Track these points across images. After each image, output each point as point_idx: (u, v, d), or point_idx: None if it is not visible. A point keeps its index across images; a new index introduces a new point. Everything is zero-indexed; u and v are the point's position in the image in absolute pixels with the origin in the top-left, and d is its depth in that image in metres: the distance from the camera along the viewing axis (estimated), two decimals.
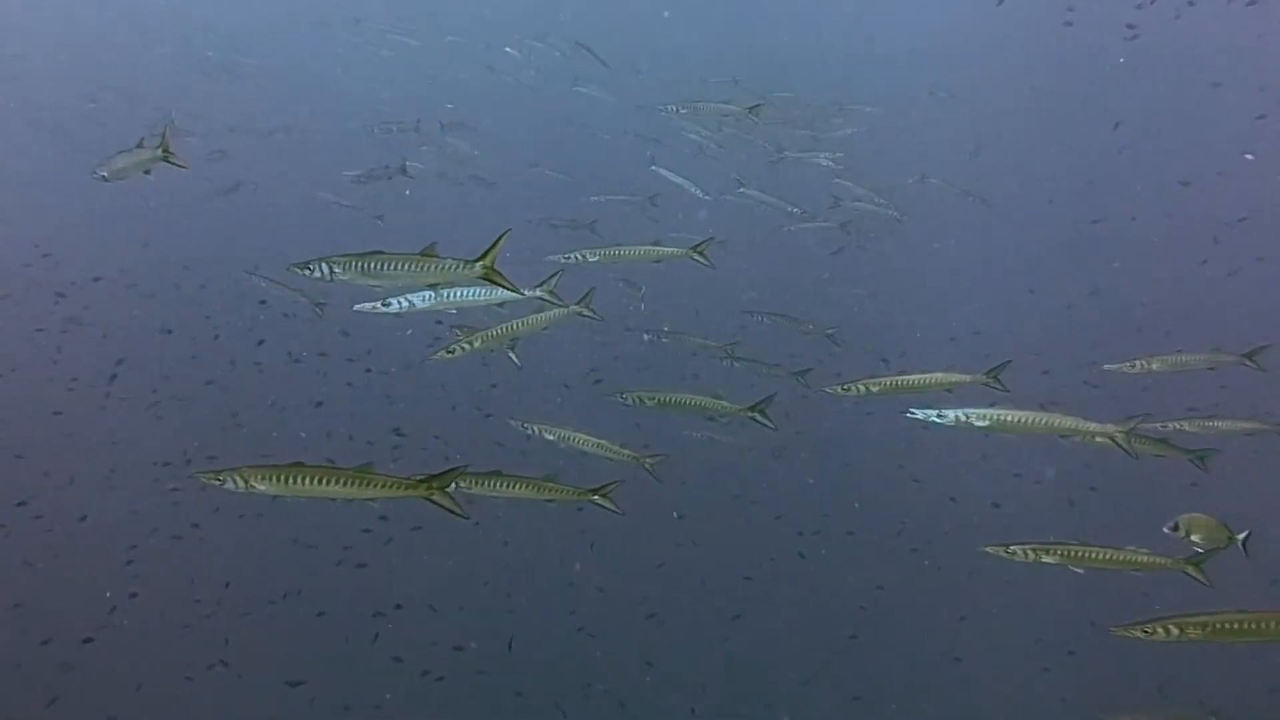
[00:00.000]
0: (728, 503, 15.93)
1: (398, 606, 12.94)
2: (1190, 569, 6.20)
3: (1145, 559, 6.17)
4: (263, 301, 13.81)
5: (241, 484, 5.42)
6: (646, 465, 8.17)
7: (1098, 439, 6.61)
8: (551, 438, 8.16)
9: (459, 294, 6.88)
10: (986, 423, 6.58)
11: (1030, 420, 6.65)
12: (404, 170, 15.35)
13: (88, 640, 11.49)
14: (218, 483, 5.45)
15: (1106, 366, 8.19)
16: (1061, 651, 13.68)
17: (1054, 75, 28.19)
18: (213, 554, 13.29)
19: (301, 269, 6.07)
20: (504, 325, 7.52)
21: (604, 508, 7.09)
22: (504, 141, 22.56)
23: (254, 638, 12.62)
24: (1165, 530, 6.38)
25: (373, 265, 6.02)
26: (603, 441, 8.18)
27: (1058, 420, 6.57)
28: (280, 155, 21.40)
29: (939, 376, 8.02)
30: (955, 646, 13.92)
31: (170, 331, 15.82)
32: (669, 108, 14.71)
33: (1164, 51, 23.50)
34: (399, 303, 6.92)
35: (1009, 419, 6.64)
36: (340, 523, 13.17)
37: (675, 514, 14.25)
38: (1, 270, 17.18)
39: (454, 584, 14.15)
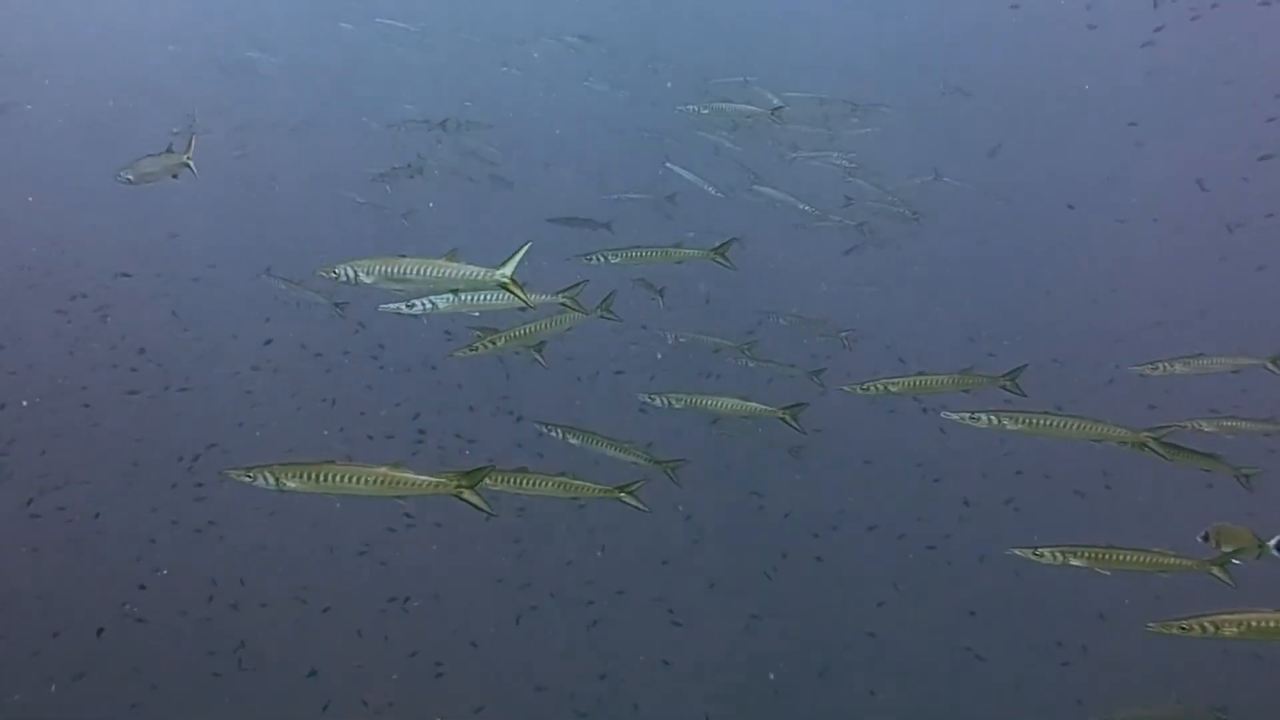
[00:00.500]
0: (745, 500, 15.98)
1: (406, 599, 13.06)
2: (1216, 570, 6.25)
3: (1172, 561, 6.23)
4: (296, 303, 13.89)
5: (273, 481, 5.45)
6: (669, 471, 8.24)
7: (1129, 445, 6.65)
8: (575, 441, 8.24)
9: (481, 297, 6.95)
10: (1019, 426, 6.62)
11: (1062, 424, 6.69)
12: (422, 170, 15.43)
13: (100, 631, 11.66)
14: (249, 480, 5.48)
15: (1129, 369, 8.18)
16: (1075, 646, 13.70)
17: (1071, 73, 28.08)
18: (231, 549, 13.42)
19: (327, 273, 6.25)
20: (526, 326, 7.62)
21: (630, 505, 7.18)
22: (520, 140, 22.60)
23: (272, 632, 12.73)
24: (1198, 539, 6.40)
25: (395, 269, 6.20)
26: (626, 446, 8.26)
27: (1089, 425, 6.60)
28: (302, 152, 21.51)
29: (957, 377, 8.06)
30: (976, 643, 13.92)
31: (187, 330, 15.99)
32: (692, 108, 14.69)
33: (1183, 50, 23.37)
34: (422, 304, 6.99)
35: (1041, 422, 6.69)
36: (345, 519, 13.33)
37: (685, 516, 14.27)
38: (24, 266, 17.36)
39: (467, 579, 14.23)
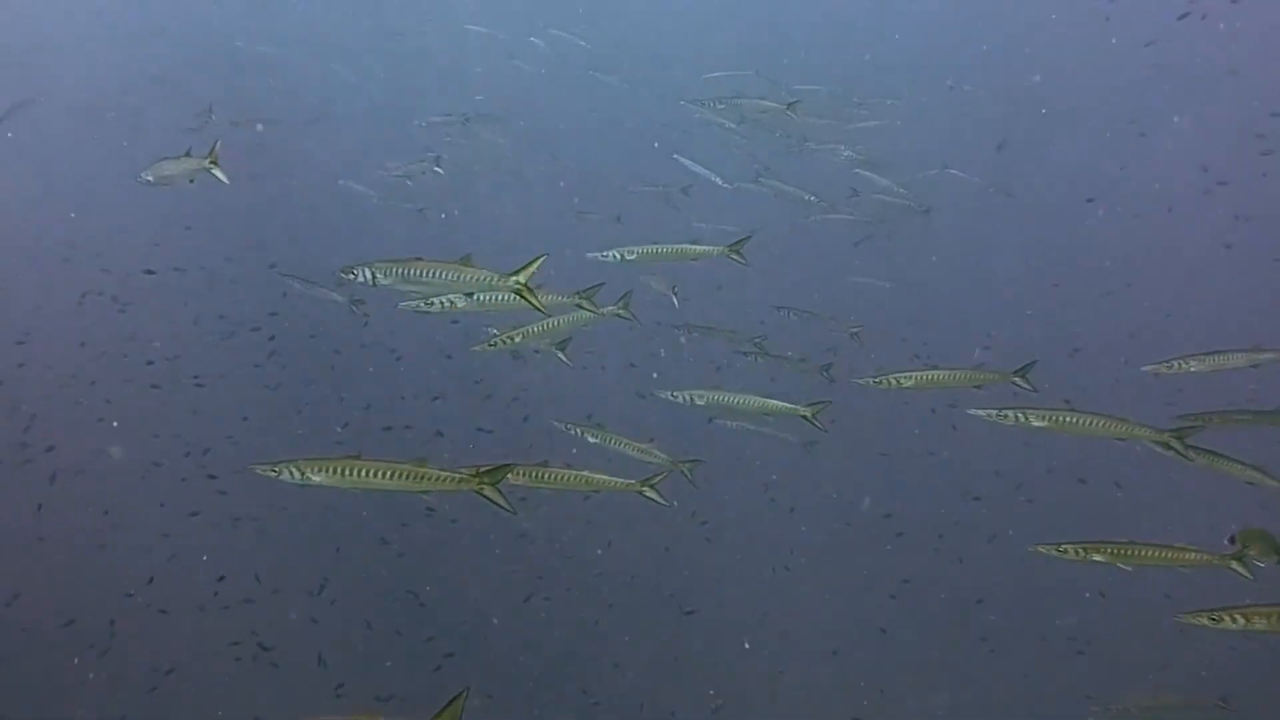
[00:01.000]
0: (757, 495, 16.02)
1: (414, 594, 13.12)
2: (1235, 564, 6.26)
3: (1193, 556, 6.25)
4: (310, 300, 13.95)
5: (298, 476, 5.51)
6: (685, 471, 8.29)
7: (1154, 445, 6.68)
8: (594, 440, 8.30)
9: (498, 297, 7.03)
10: (1044, 423, 6.67)
11: (1086, 422, 6.73)
12: (437, 165, 15.47)
13: (110, 623, 11.83)
14: (274, 474, 5.54)
15: (1144, 368, 8.15)
16: (1084, 637, 13.75)
17: (1079, 68, 27.96)
18: (251, 542, 13.50)
19: (347, 274, 6.42)
20: (543, 323, 7.68)
21: (652, 499, 7.23)
22: (531, 133, 22.59)
23: (292, 623, 12.82)
24: (1225, 543, 6.40)
25: (413, 272, 6.38)
26: (643, 445, 8.33)
27: (1114, 424, 6.63)
28: (319, 146, 21.52)
29: (969, 373, 8.09)
30: (990, 636, 13.97)
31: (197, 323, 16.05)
32: (706, 103, 14.64)
33: (1193, 46, 23.31)
34: (441, 303, 7.07)
35: (1066, 420, 6.73)
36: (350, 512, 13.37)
37: (700, 520, 14.29)
38: (42, 259, 17.41)
39: (483, 573, 14.30)
